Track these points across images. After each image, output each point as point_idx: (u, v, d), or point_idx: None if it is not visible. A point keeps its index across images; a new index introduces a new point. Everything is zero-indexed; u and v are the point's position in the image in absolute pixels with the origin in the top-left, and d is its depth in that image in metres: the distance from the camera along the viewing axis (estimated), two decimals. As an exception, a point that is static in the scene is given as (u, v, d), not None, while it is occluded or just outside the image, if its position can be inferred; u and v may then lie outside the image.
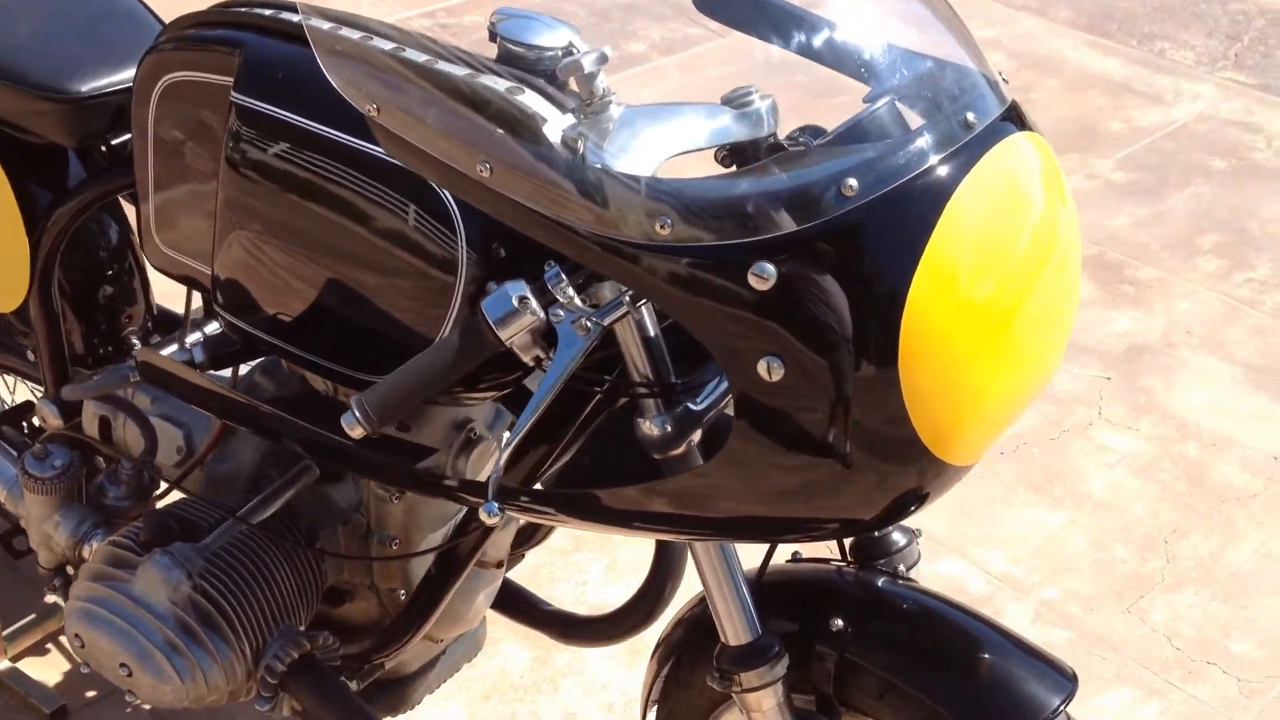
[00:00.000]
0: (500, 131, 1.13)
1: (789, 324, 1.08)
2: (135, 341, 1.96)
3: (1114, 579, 2.43)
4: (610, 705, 2.18)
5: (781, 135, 1.30)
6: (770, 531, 1.22)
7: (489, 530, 1.56)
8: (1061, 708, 1.28)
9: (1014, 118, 1.18)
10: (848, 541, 1.48)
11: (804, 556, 1.50)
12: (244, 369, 1.70)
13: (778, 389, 1.09)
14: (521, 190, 1.13)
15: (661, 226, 1.09)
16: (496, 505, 1.23)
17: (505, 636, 2.30)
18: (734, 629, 1.36)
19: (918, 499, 1.18)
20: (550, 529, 1.91)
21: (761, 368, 1.09)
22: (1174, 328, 3.09)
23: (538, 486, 1.35)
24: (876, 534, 1.47)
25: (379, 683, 1.81)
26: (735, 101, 1.27)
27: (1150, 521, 2.56)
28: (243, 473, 1.71)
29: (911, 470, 1.15)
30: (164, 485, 1.75)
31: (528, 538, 1.92)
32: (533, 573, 2.42)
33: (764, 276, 1.07)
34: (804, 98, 1.33)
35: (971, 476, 2.64)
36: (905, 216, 1.08)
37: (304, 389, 1.63)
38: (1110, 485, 2.64)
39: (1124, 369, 2.96)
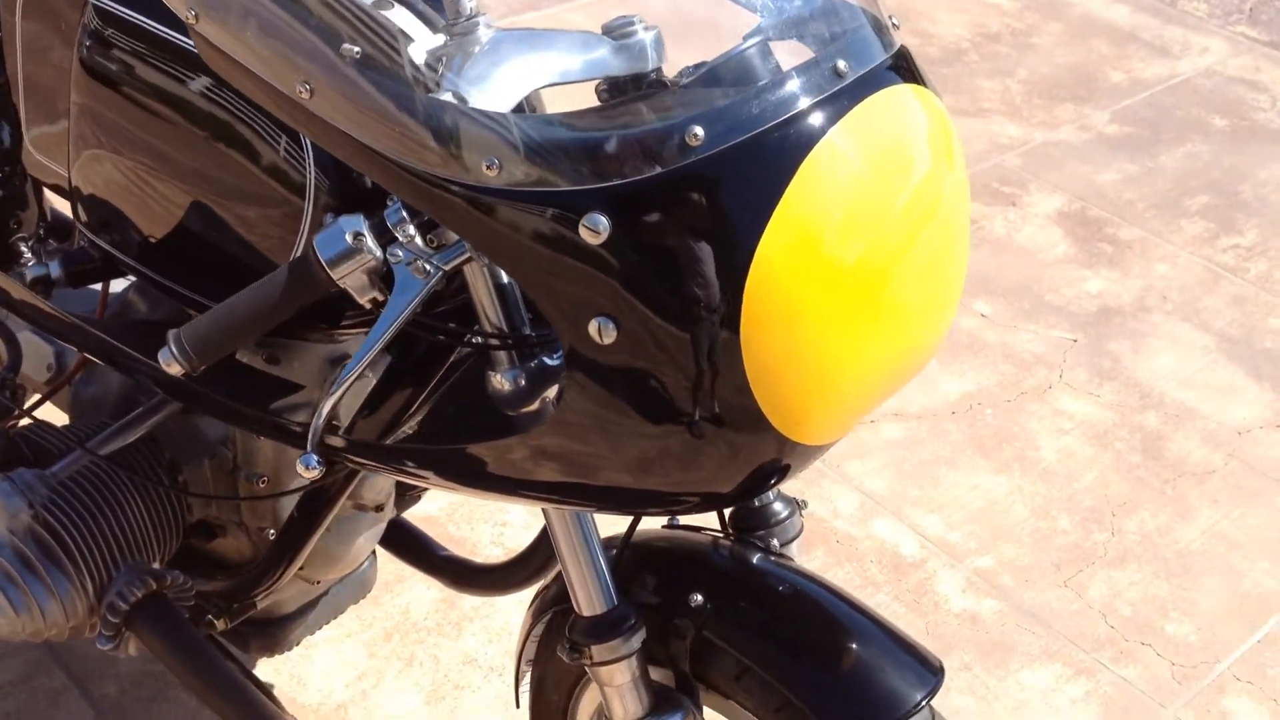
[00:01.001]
0: (324, 48, 1.02)
1: (622, 283, 0.98)
2: (24, 250, 1.86)
3: (1053, 550, 2.34)
4: (512, 652, 2.10)
5: (672, 71, 1.18)
6: (622, 502, 1.12)
7: (353, 474, 1.48)
8: (924, 702, 1.19)
9: (901, 68, 1.07)
10: (727, 510, 1.39)
11: (680, 523, 1.40)
12: (120, 286, 1.61)
13: (610, 352, 1.00)
14: (343, 116, 1.02)
15: (489, 167, 0.98)
16: (315, 458, 1.14)
17: (413, 576, 2.22)
18: (587, 598, 1.27)
19: (776, 472, 1.08)
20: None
21: (593, 329, 0.99)
22: (1149, 291, 2.97)
23: (367, 439, 1.26)
24: (756, 504, 1.37)
25: (253, 622, 1.74)
26: (615, 32, 1.15)
27: (1099, 493, 2.46)
28: (110, 399, 1.62)
29: (761, 446, 1.05)
30: (33, 402, 1.66)
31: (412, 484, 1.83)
32: (450, 511, 2.35)
33: (596, 230, 0.96)
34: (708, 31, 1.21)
35: (918, 434, 2.57)
36: (757, 172, 0.98)
37: (178, 314, 1.54)
38: (1062, 453, 2.54)
39: (1092, 331, 2.84)
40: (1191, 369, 2.75)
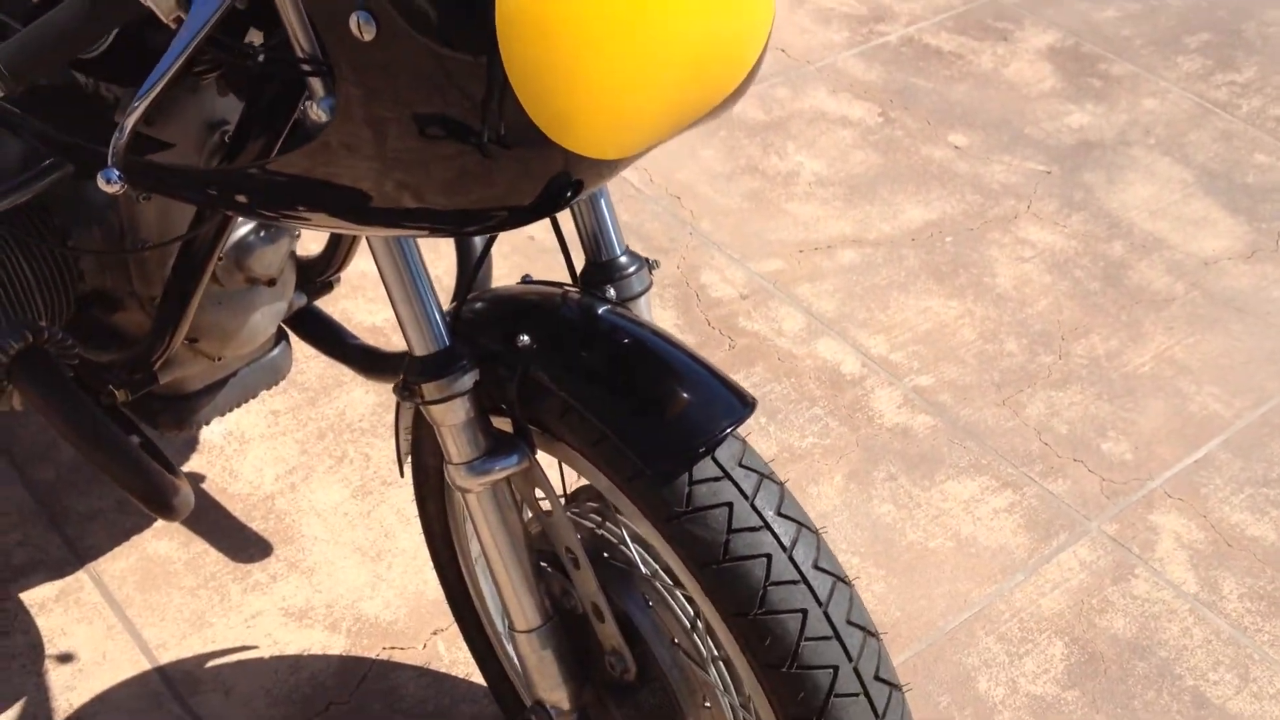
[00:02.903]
0: None
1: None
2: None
3: (996, 372, 2.32)
4: (442, 453, 2.14)
5: None
6: (429, 221, 1.13)
7: (221, 231, 1.50)
8: (729, 430, 1.19)
9: None
10: (579, 267, 1.40)
11: (534, 279, 1.41)
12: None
13: (373, 50, 1.00)
14: None
15: None
16: (116, 173, 1.15)
17: (353, 380, 2.26)
18: (420, 338, 1.28)
19: (570, 186, 1.09)
20: (348, 255, 1.84)
21: (353, 23, 0.99)
22: (1134, 126, 2.89)
23: (172, 162, 1.27)
24: (603, 258, 1.38)
25: (159, 398, 1.78)
26: None
27: (1051, 318, 2.43)
28: (8, 164, 1.65)
29: (542, 158, 1.05)
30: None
31: (325, 266, 1.85)
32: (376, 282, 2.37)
33: (348, -81, 0.96)
34: None
35: (873, 260, 2.55)
36: None
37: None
38: (1018, 279, 2.50)
39: (1068, 164, 2.78)
40: (1166, 201, 2.69)
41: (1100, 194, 2.71)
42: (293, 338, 1.93)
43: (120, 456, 1.58)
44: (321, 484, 2.10)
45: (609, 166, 1.10)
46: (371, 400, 2.23)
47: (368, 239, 1.27)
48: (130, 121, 1.15)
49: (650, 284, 1.40)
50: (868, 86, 2.97)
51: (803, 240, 2.57)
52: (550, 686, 1.41)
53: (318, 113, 1.15)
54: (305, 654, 1.86)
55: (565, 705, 1.42)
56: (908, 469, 2.14)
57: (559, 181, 1.08)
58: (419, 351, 1.29)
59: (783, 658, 1.16)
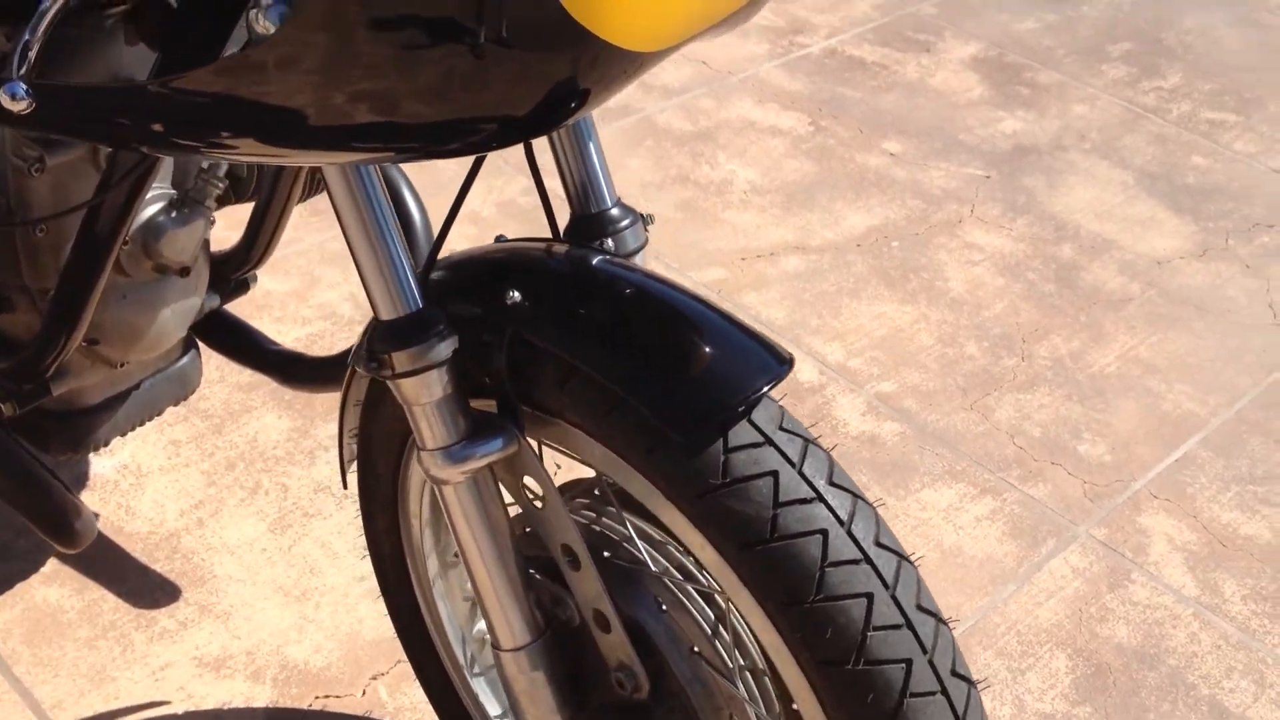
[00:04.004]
0: None
1: None
2: None
3: (960, 376, 2.18)
4: (370, 479, 1.91)
5: None
6: (402, 141, 0.92)
7: (128, 208, 1.28)
8: (767, 388, 1.01)
9: None
10: (563, 224, 1.21)
11: (510, 238, 1.22)
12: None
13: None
14: None
15: None
16: (22, 87, 0.94)
17: (264, 405, 2.02)
18: (386, 299, 1.08)
19: (577, 93, 0.90)
20: (268, 247, 1.62)
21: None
22: (1067, 131, 2.81)
23: (90, 82, 1.06)
24: (592, 209, 1.19)
25: (49, 413, 1.54)
26: None
27: (1009, 320, 2.30)
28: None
29: (564, 49, 0.87)
30: None
31: (241, 261, 1.63)
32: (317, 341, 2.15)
33: None
34: None
35: (819, 267, 2.40)
36: None
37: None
38: (971, 283, 2.38)
39: (1006, 168, 2.68)
40: (1109, 203, 2.60)
41: (1042, 197, 2.61)
42: (202, 348, 1.70)
43: (13, 473, 1.34)
44: (233, 518, 1.86)
45: (635, 64, 0.92)
46: (286, 426, 2.00)
47: (326, 182, 1.07)
48: (43, 24, 0.94)
49: (646, 241, 1.22)
50: (794, 97, 2.85)
51: (743, 248, 2.41)
52: (542, 714, 1.20)
53: (264, 23, 0.96)
54: (225, 708, 1.62)
55: None
56: (880, 478, 1.98)
57: (572, 83, 0.90)
58: (386, 315, 1.08)
59: (847, 652, 0.98)
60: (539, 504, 1.15)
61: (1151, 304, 2.36)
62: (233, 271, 1.65)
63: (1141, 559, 1.89)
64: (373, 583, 1.76)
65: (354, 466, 1.41)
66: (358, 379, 1.32)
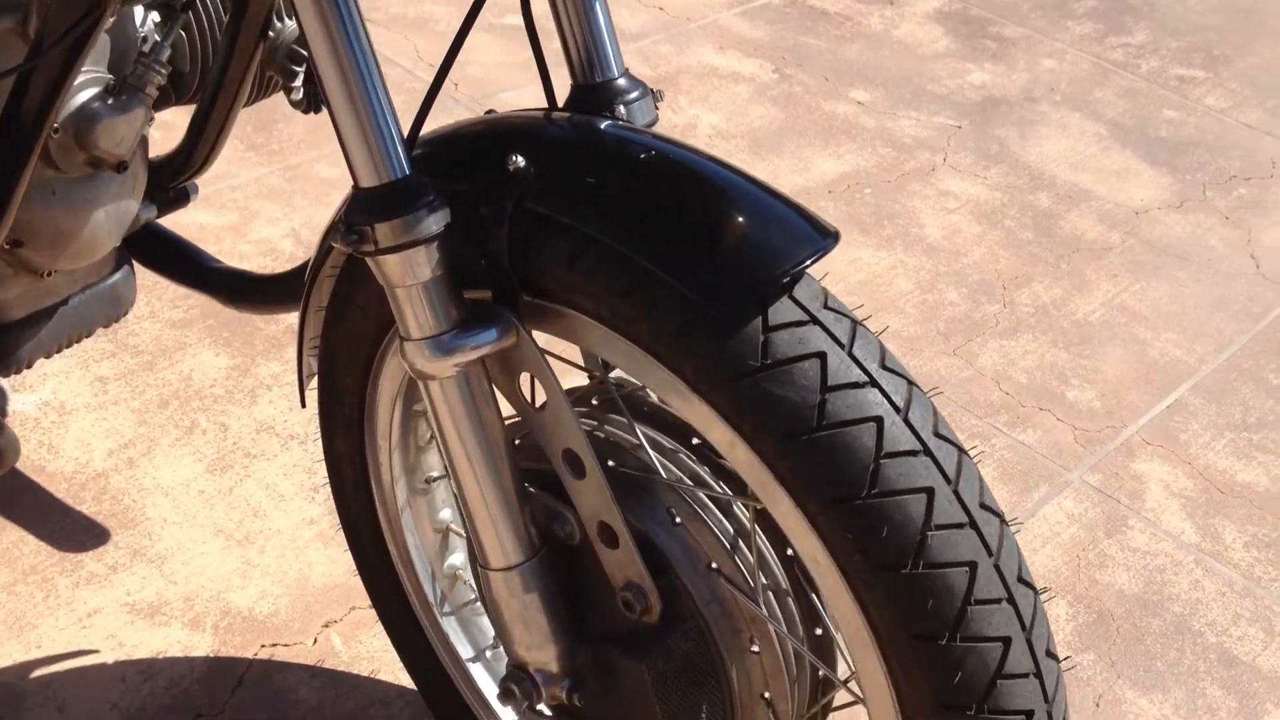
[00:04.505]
0: None
1: None
2: None
3: (941, 322, 2.08)
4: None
5: None
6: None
7: (57, 90, 1.13)
8: (812, 260, 0.89)
9: None
10: (562, 97, 1.08)
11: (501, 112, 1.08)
12: None
13: None
14: None
15: None
16: None
17: (199, 341, 1.86)
18: (369, 164, 0.94)
19: None
20: (211, 152, 1.46)
21: None
22: (1037, 84, 2.73)
23: None
24: (598, 78, 1.06)
25: (-34, 325, 1.37)
26: None
27: (989, 267, 2.21)
28: None
29: None
30: None
31: (181, 168, 1.47)
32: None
33: None
34: None
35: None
36: None
37: None
38: (948, 229, 2.28)
39: (977, 118, 2.59)
40: (1083, 154, 2.52)
41: (1015, 147, 2.52)
42: (137, 268, 1.54)
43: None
44: (167, 459, 1.70)
45: None
46: (224, 364, 1.84)
47: (298, 16, 0.93)
48: None
49: (656, 117, 1.09)
50: (756, 44, 2.74)
51: (710, 190, 2.29)
52: (536, 643, 1.07)
53: None
54: (160, 657, 1.46)
55: (553, 667, 1.07)
56: (863, 424, 1.87)
57: None
58: (367, 182, 0.95)
59: (904, 554, 0.86)
60: (537, 406, 1.02)
61: (1132, 253, 2.27)
62: (171, 179, 1.49)
63: (1138, 505, 1.80)
64: (324, 526, 1.62)
65: (313, 384, 1.27)
66: (321, 283, 1.18)
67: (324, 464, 1.29)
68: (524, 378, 1.02)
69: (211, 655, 1.47)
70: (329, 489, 1.31)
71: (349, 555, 1.51)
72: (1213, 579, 1.71)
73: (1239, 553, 1.75)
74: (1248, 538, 1.77)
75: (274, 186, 2.17)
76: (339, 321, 1.18)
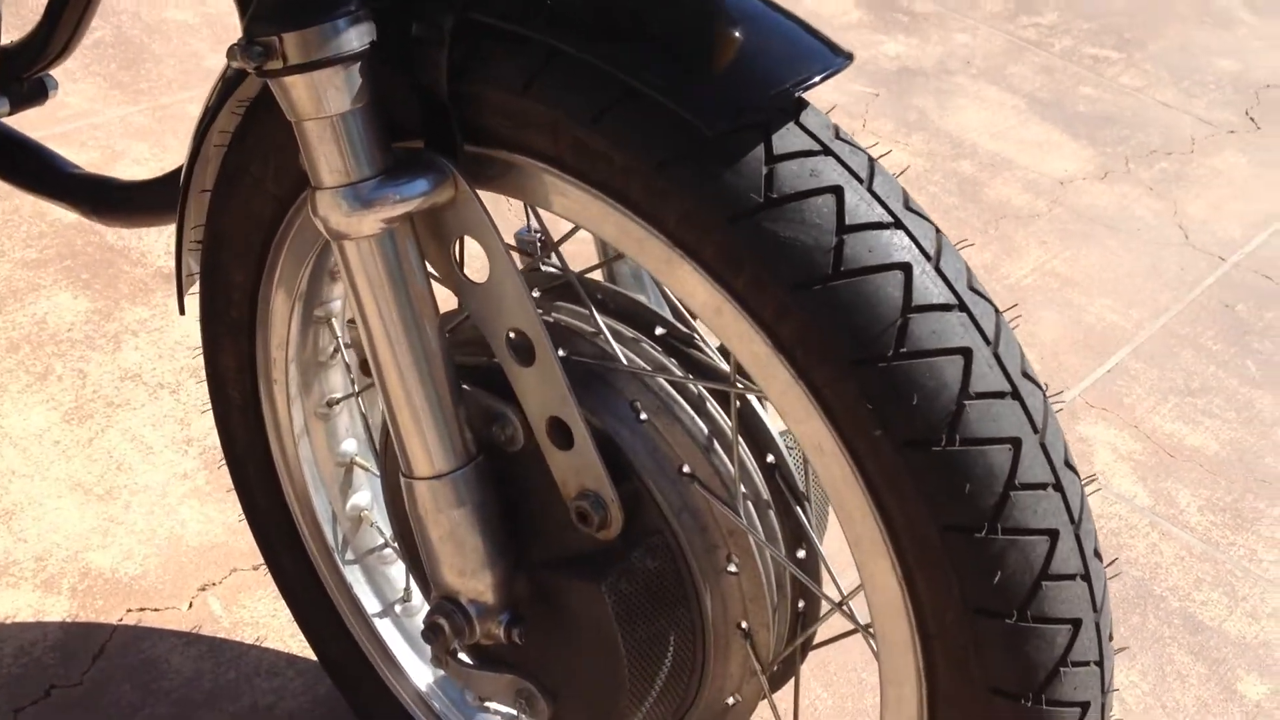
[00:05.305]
0: None
1: None
2: None
3: (871, 281, 1.95)
4: (195, 369, 1.57)
5: None
6: None
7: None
8: (822, 76, 0.74)
9: None
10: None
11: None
12: None
13: None
14: None
15: None
16: None
17: (55, 284, 1.65)
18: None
19: None
20: (72, 37, 1.27)
21: None
22: (951, 57, 2.64)
23: None
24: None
25: None
26: None
27: (917, 230, 2.09)
28: None
29: None
30: None
31: (36, 55, 1.27)
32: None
33: None
34: None
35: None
36: None
37: None
38: (872, 192, 2.16)
39: (894, 88, 2.49)
40: (1003, 125, 2.43)
41: (934, 116, 2.42)
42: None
43: None
44: (16, 406, 1.48)
45: None
46: (83, 307, 1.63)
47: None
48: None
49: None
50: (662, 7, 2.60)
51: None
52: (470, 567, 0.89)
53: None
54: (8, 622, 1.25)
55: (489, 597, 0.90)
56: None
57: None
58: (274, -12, 0.77)
59: (936, 427, 0.71)
60: (477, 281, 0.85)
61: (1060, 221, 2.18)
62: (25, 69, 1.30)
63: (1085, 468, 1.68)
64: (199, 481, 1.42)
65: (195, 288, 1.08)
66: (206, 155, 1.00)
67: (205, 407, 1.10)
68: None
69: (68, 620, 1.26)
70: (206, 440, 1.12)
71: (228, 513, 1.33)
72: (1170, 543, 1.60)
73: (1195, 516, 1.64)
74: (1202, 501, 1.67)
75: (142, 126, 1.96)
76: (227, 202, 1.00)
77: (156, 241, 1.76)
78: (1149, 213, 2.24)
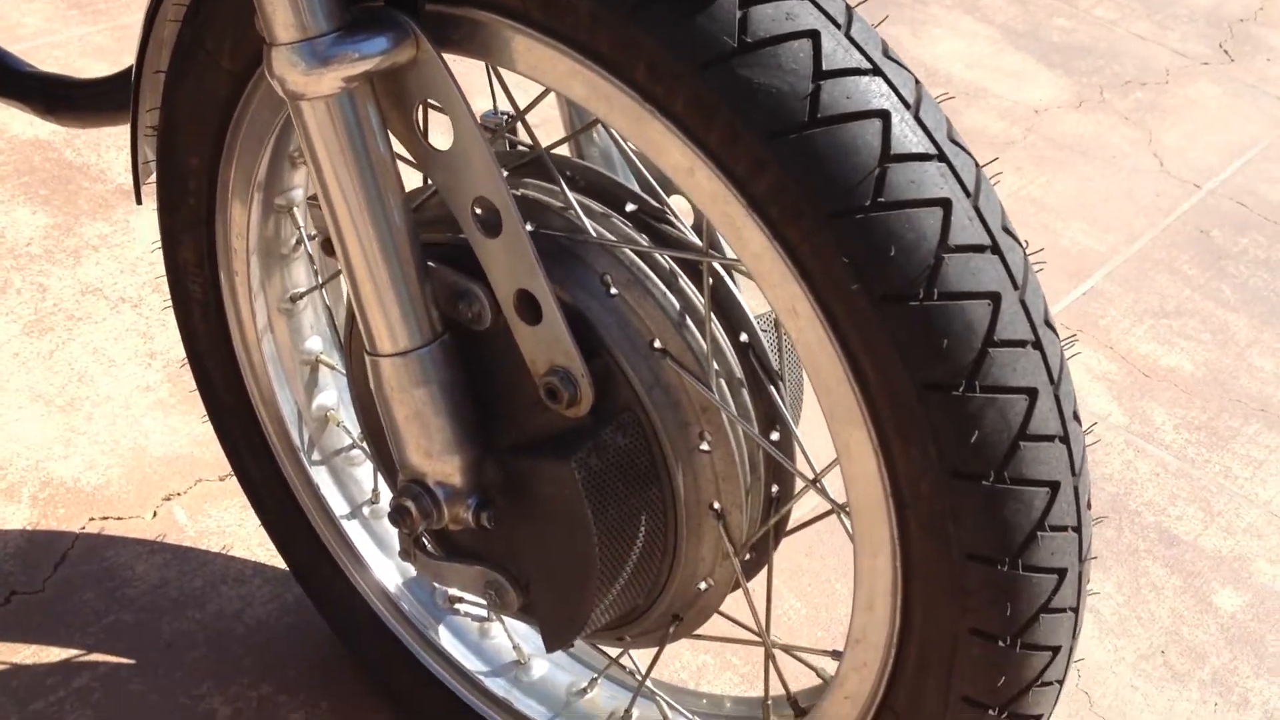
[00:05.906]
0: None
1: None
2: None
3: (846, 204, 1.94)
4: (158, 284, 1.53)
5: None
6: None
7: None
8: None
9: None
10: None
11: None
12: None
13: None
14: None
15: None
16: None
17: (13, 199, 1.61)
18: None
19: None
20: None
21: None
22: (926, -11, 2.62)
23: None
24: None
25: None
26: None
27: (891, 155, 2.07)
28: None
29: None
30: None
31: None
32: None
33: None
34: None
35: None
36: None
37: None
38: (846, 118, 2.14)
39: (869, 17, 2.46)
40: (978, 54, 2.41)
41: (908, 44, 2.40)
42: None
43: None
44: (-26, 321, 1.45)
45: None
46: (43, 222, 1.59)
47: None
48: None
49: None
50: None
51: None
52: (437, 447, 0.87)
53: None
54: (-36, 531, 1.22)
55: (456, 480, 0.88)
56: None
57: None
58: None
59: (915, 280, 0.69)
60: (440, 149, 0.83)
61: (1035, 148, 2.17)
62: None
63: (1061, 388, 1.67)
64: (163, 394, 1.39)
65: (152, 177, 1.05)
66: (159, 34, 0.97)
67: (169, 322, 1.08)
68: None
69: (29, 528, 1.23)
70: (170, 353, 1.10)
71: (193, 426, 1.31)
72: (1145, 459, 1.59)
73: (1170, 434, 1.63)
74: (1177, 420, 1.66)
75: (100, 45, 1.92)
76: (182, 80, 0.97)
77: (116, 159, 1.72)
78: (1124, 140, 2.23)
